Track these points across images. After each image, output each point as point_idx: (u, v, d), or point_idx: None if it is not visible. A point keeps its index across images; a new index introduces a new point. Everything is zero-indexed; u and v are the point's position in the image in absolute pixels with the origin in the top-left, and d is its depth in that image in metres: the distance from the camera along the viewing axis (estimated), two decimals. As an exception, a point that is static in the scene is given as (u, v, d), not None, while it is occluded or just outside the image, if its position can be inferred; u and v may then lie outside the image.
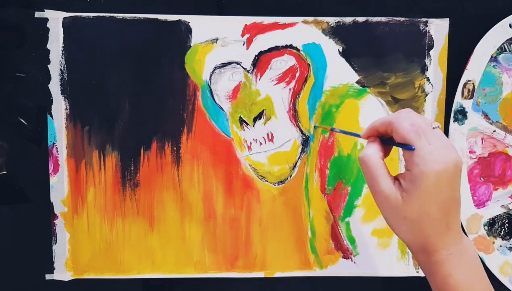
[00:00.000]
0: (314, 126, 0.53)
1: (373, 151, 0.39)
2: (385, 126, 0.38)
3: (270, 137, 0.53)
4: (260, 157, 0.53)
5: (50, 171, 0.53)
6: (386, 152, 0.40)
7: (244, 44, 0.52)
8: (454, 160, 0.35)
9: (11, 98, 0.52)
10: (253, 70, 0.53)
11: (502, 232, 0.56)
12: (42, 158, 0.53)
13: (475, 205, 0.54)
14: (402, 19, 0.53)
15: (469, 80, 0.52)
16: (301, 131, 0.53)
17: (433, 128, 0.37)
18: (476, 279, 0.38)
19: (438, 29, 0.53)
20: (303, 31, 0.52)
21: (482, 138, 0.55)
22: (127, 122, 0.53)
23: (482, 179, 0.55)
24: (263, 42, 0.52)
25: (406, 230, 0.37)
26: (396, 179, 0.38)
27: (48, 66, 0.52)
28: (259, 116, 0.53)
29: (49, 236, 0.53)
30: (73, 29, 0.52)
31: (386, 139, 0.40)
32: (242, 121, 0.53)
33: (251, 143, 0.53)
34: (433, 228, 0.36)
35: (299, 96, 0.53)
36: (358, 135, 0.42)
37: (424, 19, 0.53)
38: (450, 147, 0.36)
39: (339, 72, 0.53)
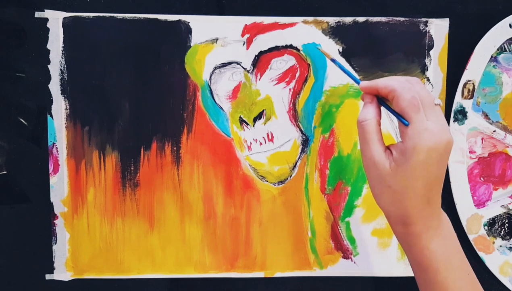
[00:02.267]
0: (317, 48, 0.52)
1: (372, 115, 0.39)
2: (387, 91, 0.38)
3: (270, 137, 0.53)
4: (260, 157, 0.53)
5: (50, 171, 0.53)
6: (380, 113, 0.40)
7: (244, 44, 0.52)
8: (446, 140, 0.36)
9: (11, 98, 0.52)
10: (253, 70, 0.53)
11: (502, 232, 0.56)
12: (42, 158, 0.53)
13: (475, 205, 0.54)
14: (402, 19, 0.53)
15: (469, 80, 0.52)
16: (301, 131, 0.53)
17: (435, 104, 0.37)
18: (452, 252, 0.39)
19: (438, 29, 0.53)
20: (303, 31, 0.52)
21: (482, 139, 0.55)
22: (127, 122, 0.53)
23: (482, 179, 0.55)
24: (263, 42, 0.52)
25: (388, 199, 0.38)
26: (388, 148, 0.38)
27: (48, 66, 0.52)
28: (259, 116, 0.53)
29: (49, 236, 0.53)
30: (73, 29, 0.52)
31: (382, 100, 0.40)
32: (242, 121, 0.53)
33: (251, 143, 0.53)
34: (415, 201, 0.37)
35: (299, 96, 0.53)
36: (357, 82, 0.41)
37: (424, 19, 0.53)
38: (445, 126, 0.37)
39: (339, 72, 0.53)
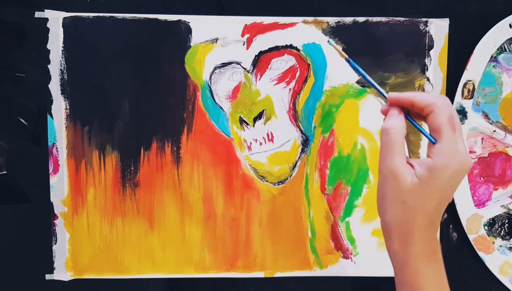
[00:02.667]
0: (328, 42, 0.51)
1: (400, 125, 0.37)
2: (426, 104, 0.37)
3: (270, 137, 0.53)
4: (260, 157, 0.53)
5: (50, 171, 0.53)
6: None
7: (244, 44, 0.52)
8: (469, 164, 0.36)
9: (11, 98, 0.52)
10: (253, 70, 0.53)
11: (502, 232, 0.56)
12: (42, 158, 0.53)
13: (475, 205, 0.54)
14: (402, 19, 0.53)
15: (469, 80, 0.52)
16: (301, 131, 0.53)
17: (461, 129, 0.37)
18: (442, 280, 0.38)
19: (438, 29, 0.53)
20: (303, 31, 0.52)
21: (482, 139, 0.55)
22: (127, 122, 0.53)
23: (482, 179, 0.55)
24: (263, 42, 0.52)
25: (397, 215, 0.36)
26: (408, 162, 0.37)
27: (48, 66, 0.52)
28: (259, 116, 0.53)
29: (49, 236, 0.53)
30: (73, 29, 0.52)
31: (409, 115, 0.38)
32: (242, 121, 0.53)
33: (251, 143, 0.53)
34: (423, 222, 0.36)
35: (299, 96, 0.53)
36: (384, 96, 0.40)
37: (424, 19, 0.53)
38: (466, 149, 0.36)
39: (339, 72, 0.53)
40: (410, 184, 0.36)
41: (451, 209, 0.54)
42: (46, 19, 0.51)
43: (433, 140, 0.36)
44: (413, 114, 0.38)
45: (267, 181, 0.54)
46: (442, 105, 0.36)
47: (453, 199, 0.53)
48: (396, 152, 0.36)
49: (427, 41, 0.53)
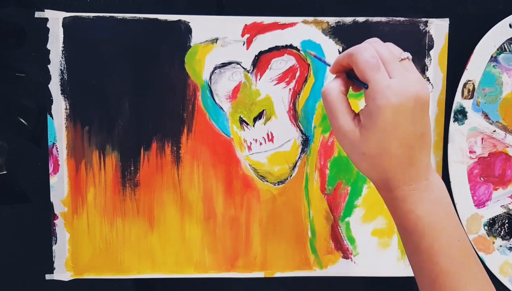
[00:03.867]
0: (306, 51, 0.52)
1: (334, 85, 0.37)
2: (347, 58, 0.37)
3: (270, 137, 0.53)
4: (260, 157, 0.53)
5: (50, 171, 0.53)
6: (352, 85, 0.39)
7: (244, 44, 0.52)
8: (415, 93, 0.34)
9: (11, 98, 0.52)
10: (253, 70, 0.53)
11: (502, 232, 0.56)
12: (42, 158, 0.53)
13: (475, 205, 0.54)
14: (402, 19, 0.53)
15: (469, 80, 0.52)
16: (301, 131, 0.53)
17: (401, 59, 0.35)
18: (441, 216, 0.36)
19: (438, 29, 0.53)
20: (303, 31, 0.52)
21: (482, 138, 0.55)
22: (127, 122, 0.53)
23: (482, 179, 0.55)
24: (263, 42, 0.52)
25: (367, 165, 0.36)
26: (357, 115, 0.37)
27: (48, 66, 0.52)
28: (259, 116, 0.53)
29: (49, 236, 0.53)
30: (73, 29, 0.52)
31: (351, 74, 0.38)
32: (242, 121, 0.53)
33: (251, 143, 0.53)
34: (393, 164, 0.35)
35: (299, 96, 0.53)
36: (329, 65, 0.41)
37: (424, 19, 0.53)
38: (414, 79, 0.35)
39: (339, 72, 0.53)
40: (360, 136, 0.35)
41: (451, 209, 0.54)
42: (46, 19, 0.51)
43: (365, 86, 0.35)
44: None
45: (267, 181, 0.54)
46: (357, 50, 0.36)
47: (452, 199, 0.53)
48: (337, 111, 0.37)
49: (427, 41, 0.53)
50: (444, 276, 0.35)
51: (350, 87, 0.39)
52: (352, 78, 0.38)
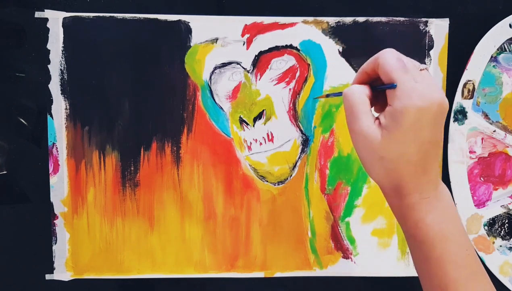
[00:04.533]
0: (313, 98, 0.53)
1: (358, 87, 0.37)
2: (372, 63, 0.37)
3: (270, 137, 0.53)
4: (260, 157, 0.53)
5: (50, 171, 0.53)
6: (373, 102, 0.38)
7: (244, 44, 0.52)
8: (439, 99, 0.34)
9: (11, 98, 0.52)
10: (253, 70, 0.53)
11: (502, 232, 0.56)
12: (42, 158, 0.53)
13: (475, 205, 0.54)
14: (402, 19, 0.53)
15: (469, 80, 0.52)
16: (301, 131, 0.53)
17: (420, 70, 0.35)
18: (449, 226, 0.36)
19: (438, 29, 0.53)
20: (303, 31, 0.52)
21: (482, 139, 0.55)
22: (127, 122, 0.53)
23: (482, 179, 0.55)
24: (263, 42, 0.52)
25: (381, 170, 0.36)
26: (376, 118, 0.36)
27: (48, 66, 0.52)
28: (259, 116, 0.53)
29: (49, 236, 0.53)
30: (73, 29, 0.52)
31: (374, 86, 0.38)
32: (242, 121, 0.53)
33: (251, 143, 0.53)
34: (409, 170, 0.35)
35: (299, 96, 0.53)
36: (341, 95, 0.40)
37: (424, 19, 0.53)
38: (436, 87, 0.35)
39: (339, 72, 0.53)
40: (380, 138, 0.35)
41: (451, 209, 0.54)
42: (46, 19, 0.51)
43: (394, 85, 0.34)
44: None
45: (267, 181, 0.54)
46: (383, 54, 0.36)
47: (453, 199, 0.53)
48: (358, 113, 0.36)
49: (427, 41, 0.53)
50: (454, 286, 0.35)
51: (373, 107, 0.38)
52: (377, 88, 0.38)
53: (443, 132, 0.36)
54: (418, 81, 0.34)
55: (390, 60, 0.35)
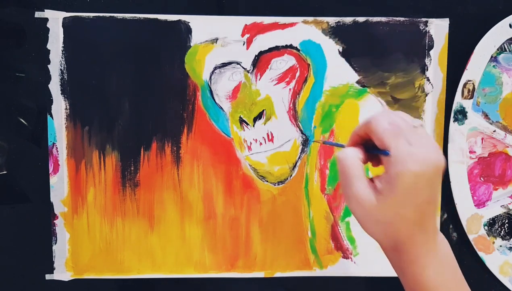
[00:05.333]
0: (312, 141, 0.53)
1: (352, 151, 0.37)
2: (364, 128, 0.37)
3: (270, 137, 0.53)
4: (260, 157, 0.53)
5: (50, 171, 0.53)
6: (369, 159, 0.38)
7: (244, 44, 0.52)
8: (435, 161, 0.34)
9: (11, 98, 0.52)
10: (253, 70, 0.53)
11: (502, 232, 0.56)
12: (42, 158, 0.53)
13: (475, 205, 0.54)
14: (402, 19, 0.53)
15: (469, 80, 0.52)
16: (301, 131, 0.53)
17: (414, 127, 0.35)
18: (449, 276, 0.36)
19: (438, 29, 0.53)
20: (303, 31, 0.52)
21: (482, 138, 0.55)
22: (127, 122, 0.53)
23: (482, 179, 0.55)
24: (263, 42, 0.52)
25: (378, 230, 0.36)
26: (371, 181, 0.36)
27: (48, 66, 0.52)
28: (259, 116, 0.53)
29: (49, 236, 0.53)
30: (73, 29, 0.52)
31: (368, 146, 0.38)
32: (242, 121, 0.53)
33: (251, 143, 0.53)
34: (406, 229, 0.35)
35: (299, 96, 0.53)
36: (342, 146, 0.40)
37: (424, 19, 0.53)
38: (431, 147, 0.34)
39: (339, 72, 0.53)
40: (376, 203, 0.35)
41: (451, 209, 0.54)
42: (46, 19, 0.51)
43: (387, 153, 0.34)
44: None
45: (267, 181, 0.54)
46: (374, 119, 0.35)
47: (452, 199, 0.53)
48: (352, 177, 0.36)
49: (427, 41, 0.53)
50: None
51: (369, 163, 0.38)
52: (369, 150, 0.37)
53: (440, 188, 0.36)
54: (412, 143, 0.34)
55: (382, 125, 0.35)
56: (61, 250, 0.54)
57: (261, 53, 0.52)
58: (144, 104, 0.53)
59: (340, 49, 0.53)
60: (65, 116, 0.53)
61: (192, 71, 0.52)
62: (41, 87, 0.52)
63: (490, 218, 0.55)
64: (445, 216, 0.55)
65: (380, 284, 0.55)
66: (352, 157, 0.37)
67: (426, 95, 0.53)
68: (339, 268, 0.55)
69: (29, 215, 0.53)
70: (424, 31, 0.53)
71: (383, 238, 0.37)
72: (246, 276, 0.55)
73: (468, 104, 0.53)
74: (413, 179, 0.33)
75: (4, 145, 0.53)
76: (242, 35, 0.52)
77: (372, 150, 0.37)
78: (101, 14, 0.52)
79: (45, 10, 0.51)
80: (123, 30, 0.52)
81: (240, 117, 0.53)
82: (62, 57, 0.52)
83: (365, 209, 0.35)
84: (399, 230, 0.35)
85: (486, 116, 0.54)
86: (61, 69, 0.52)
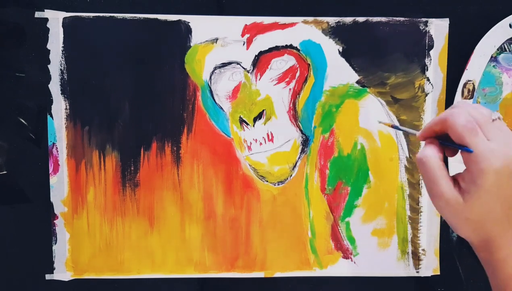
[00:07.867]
0: (379, 122, 0.53)
1: (432, 151, 0.37)
2: (440, 124, 0.37)
3: (270, 138, 0.53)
4: (260, 157, 0.53)
5: (50, 171, 0.53)
6: (446, 152, 0.38)
7: (244, 44, 0.52)
8: None
9: (11, 98, 0.52)
10: (253, 70, 0.53)
11: None
12: (42, 158, 0.53)
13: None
14: (402, 19, 0.53)
15: (469, 80, 0.52)
16: (301, 131, 0.53)
17: (493, 120, 0.35)
18: None
19: (438, 29, 0.53)
20: (303, 31, 0.52)
21: (482, 138, 0.54)
22: (127, 122, 0.53)
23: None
24: (263, 42, 0.52)
25: (468, 229, 0.36)
26: (455, 179, 0.36)
27: (48, 66, 0.52)
28: (259, 116, 0.53)
29: (49, 236, 0.53)
30: (73, 29, 0.52)
31: (444, 139, 0.38)
32: (242, 121, 0.53)
33: (251, 143, 0.53)
34: (496, 226, 0.35)
35: (299, 96, 0.53)
36: (414, 134, 0.40)
37: (424, 19, 0.53)
38: (510, 141, 0.35)
39: (339, 72, 0.53)
40: (463, 202, 0.35)
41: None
42: (46, 19, 0.51)
43: (471, 150, 0.34)
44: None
45: (267, 181, 0.54)
46: (451, 116, 0.35)
47: None
48: (437, 179, 0.36)
49: (427, 41, 0.53)
50: None
51: (444, 152, 0.38)
52: (448, 144, 0.37)
53: None
54: (491, 138, 0.34)
55: (459, 122, 0.35)
56: (61, 250, 0.54)
57: (261, 53, 0.52)
58: (144, 104, 0.53)
59: (340, 49, 0.53)
60: (65, 116, 0.53)
61: (192, 71, 0.52)
62: (41, 87, 0.52)
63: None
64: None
65: (380, 284, 0.55)
66: (434, 157, 0.37)
67: (426, 95, 0.53)
68: (339, 268, 0.55)
69: (29, 215, 0.53)
70: (424, 31, 0.53)
71: (475, 237, 0.37)
72: (246, 276, 0.55)
73: (468, 104, 0.53)
74: (496, 175, 0.34)
75: (4, 145, 0.53)
76: (242, 35, 0.52)
77: (451, 144, 0.37)
78: (101, 14, 0.52)
79: (45, 10, 0.51)
80: (123, 30, 0.52)
81: (240, 117, 0.53)
82: (62, 57, 0.52)
83: (454, 208, 0.36)
84: (488, 227, 0.36)
85: (486, 116, 0.54)
86: (61, 69, 0.52)
